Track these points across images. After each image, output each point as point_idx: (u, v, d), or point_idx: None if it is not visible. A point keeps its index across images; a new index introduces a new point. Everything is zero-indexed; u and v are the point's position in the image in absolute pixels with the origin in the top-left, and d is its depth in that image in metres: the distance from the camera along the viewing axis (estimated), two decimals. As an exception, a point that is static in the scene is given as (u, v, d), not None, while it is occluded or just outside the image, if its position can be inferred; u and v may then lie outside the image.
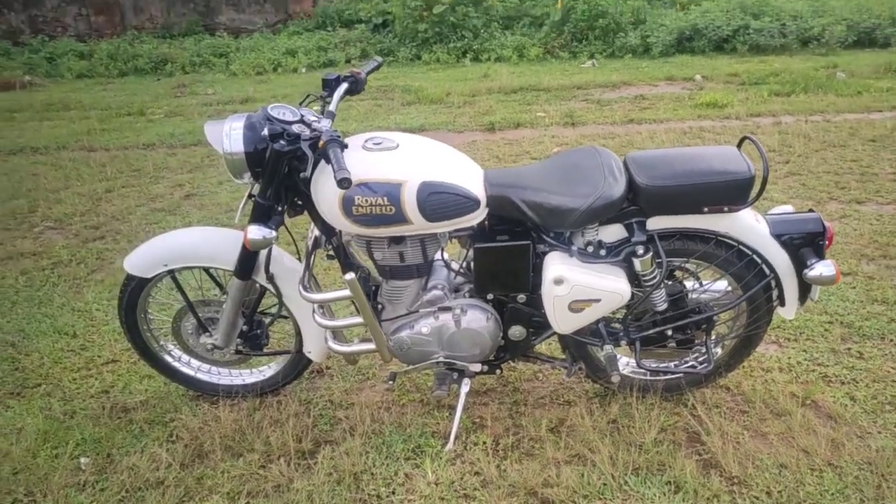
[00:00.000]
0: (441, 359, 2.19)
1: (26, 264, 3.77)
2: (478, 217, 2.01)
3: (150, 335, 2.41)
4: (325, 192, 1.93)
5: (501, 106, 7.31)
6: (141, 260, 2.21)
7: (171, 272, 2.23)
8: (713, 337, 2.23)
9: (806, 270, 2.00)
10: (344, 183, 1.65)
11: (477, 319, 2.13)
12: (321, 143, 1.78)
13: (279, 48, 11.27)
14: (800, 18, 9.88)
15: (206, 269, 2.33)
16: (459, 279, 2.24)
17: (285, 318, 2.35)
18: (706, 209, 1.97)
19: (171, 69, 10.87)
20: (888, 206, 3.94)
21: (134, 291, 2.26)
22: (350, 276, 1.96)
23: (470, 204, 1.96)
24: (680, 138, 5.64)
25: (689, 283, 2.20)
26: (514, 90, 8.09)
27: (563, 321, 2.06)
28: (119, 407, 2.47)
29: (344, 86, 2.10)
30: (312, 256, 2.19)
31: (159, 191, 5.03)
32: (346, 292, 2.01)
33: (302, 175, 1.89)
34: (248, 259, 2.13)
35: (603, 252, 2.04)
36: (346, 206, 1.91)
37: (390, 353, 2.19)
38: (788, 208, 2.17)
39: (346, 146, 1.81)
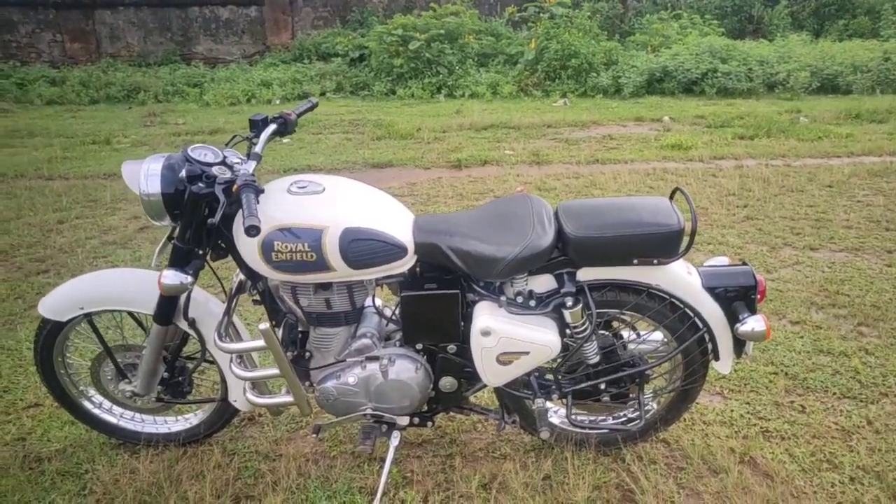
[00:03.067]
0: (369, 411, 2.11)
1: (-39, 298, 3.64)
2: (405, 264, 1.95)
3: (69, 380, 2.30)
4: (244, 236, 1.86)
5: (471, 143, 7.33)
6: (56, 302, 2.12)
7: (87, 315, 2.13)
8: (648, 391, 2.17)
9: (737, 325, 1.96)
10: (251, 230, 1.59)
11: (406, 370, 2.06)
12: (235, 186, 1.72)
13: (254, 79, 11.30)
14: (766, 63, 10.13)
15: (129, 312, 2.24)
16: (392, 327, 2.17)
17: (211, 363, 2.25)
18: (636, 261, 1.93)
19: (144, 98, 10.83)
20: (840, 254, 3.96)
21: (49, 335, 2.16)
22: (264, 326, 1.88)
23: (396, 251, 1.90)
24: (643, 179, 5.67)
25: (623, 335, 2.15)
26: (486, 127, 8.14)
27: (491, 373, 2.00)
28: (33, 456, 2.35)
29: (272, 127, 2.05)
30: (235, 301, 2.11)
31: (113, 223, 4.92)
32: (263, 342, 1.93)
33: (210, 221, 1.82)
34: (166, 304, 2.04)
35: (533, 303, 1.99)
36: (266, 251, 1.84)
37: (311, 406, 2.10)
38: (724, 260, 2.14)
39: (261, 191, 1.75)
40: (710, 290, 2.00)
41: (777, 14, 13.26)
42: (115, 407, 2.38)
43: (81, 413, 2.35)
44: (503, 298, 1.99)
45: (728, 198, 5.07)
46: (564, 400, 2.14)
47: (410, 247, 1.93)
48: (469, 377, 2.14)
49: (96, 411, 2.36)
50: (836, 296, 3.40)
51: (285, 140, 7.66)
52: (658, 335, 2.14)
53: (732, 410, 2.52)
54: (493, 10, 13.90)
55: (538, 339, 1.94)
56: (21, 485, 2.19)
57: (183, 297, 2.05)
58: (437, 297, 1.99)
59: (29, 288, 3.77)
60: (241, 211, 1.88)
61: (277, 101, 10.53)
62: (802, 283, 3.56)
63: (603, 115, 8.81)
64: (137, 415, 2.40)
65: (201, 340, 2.13)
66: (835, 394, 2.61)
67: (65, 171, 6.35)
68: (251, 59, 13.35)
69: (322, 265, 1.85)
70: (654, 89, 10.33)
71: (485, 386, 2.12)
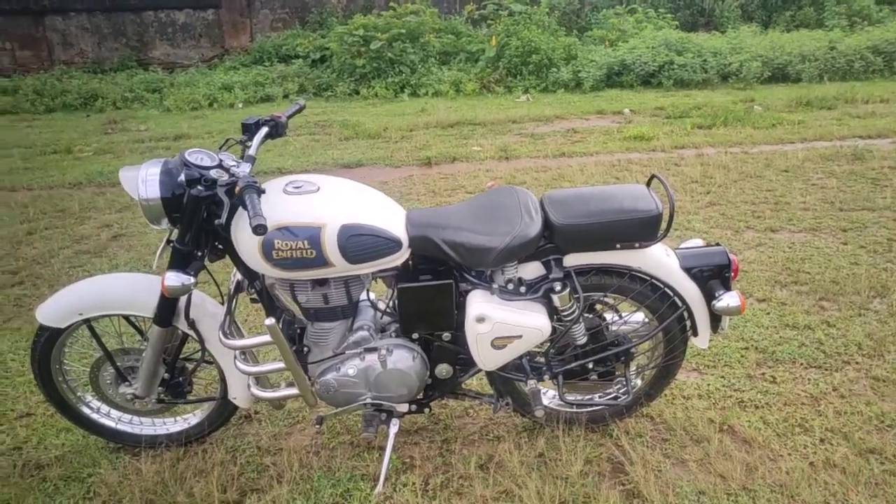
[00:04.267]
0: (369, 400, 2.19)
1: (-64, 313, 3.59)
2: (400, 258, 2.03)
3: (67, 387, 2.32)
4: (244, 236, 1.92)
5: (438, 140, 7.41)
6: (54, 309, 2.14)
7: (86, 321, 2.16)
8: (633, 369, 2.30)
9: (714, 301, 2.10)
10: (259, 229, 1.65)
11: (403, 359, 2.14)
12: (237, 188, 1.78)
13: (215, 83, 11.16)
14: (719, 55, 10.43)
15: (126, 316, 2.27)
16: (386, 319, 2.26)
17: (210, 363, 2.30)
18: (618, 245, 2.05)
19: (102, 105, 10.60)
20: (799, 234, 4.17)
21: (47, 342, 2.18)
22: (270, 321, 1.95)
23: (391, 245, 1.98)
24: (609, 171, 5.84)
25: (608, 316, 2.28)
26: (451, 124, 8.23)
27: (486, 358, 2.10)
28: (32, 464, 2.36)
29: (264, 130, 2.11)
30: (234, 300, 2.16)
31: (85, 232, 4.87)
32: (268, 338, 1.99)
33: (217, 222, 1.88)
34: (167, 306, 2.09)
35: (523, 289, 2.09)
36: (266, 250, 1.90)
37: (316, 397, 2.17)
38: (698, 242, 2.28)
39: (263, 191, 1.82)
40: (688, 270, 2.14)
41: (727, 6, 13.65)
42: (112, 411, 2.41)
43: (80, 419, 2.37)
44: (495, 286, 2.09)
45: (691, 185, 5.26)
46: (555, 380, 2.25)
47: (405, 240, 2.01)
48: (464, 364, 2.23)
49: (95, 416, 2.38)
50: (797, 274, 3.59)
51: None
52: (640, 316, 2.27)
53: (709, 384, 2.66)
54: (453, 9, 14.00)
55: (530, 322, 2.04)
56: (24, 492, 2.21)
57: (183, 299, 2.10)
58: (432, 288, 2.08)
59: (4, 300, 3.73)
60: (238, 212, 1.95)
61: (240, 105, 10.44)
62: (766, 264, 3.75)
63: (565, 109, 8.98)
64: (135, 418, 2.43)
65: (201, 341, 2.18)
66: (802, 364, 2.78)
67: (28, 182, 6.22)
68: (210, 62, 13.19)
69: (321, 261, 1.93)
70: (613, 83, 10.55)
71: (479, 371, 2.22)
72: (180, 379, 2.29)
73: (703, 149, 6.46)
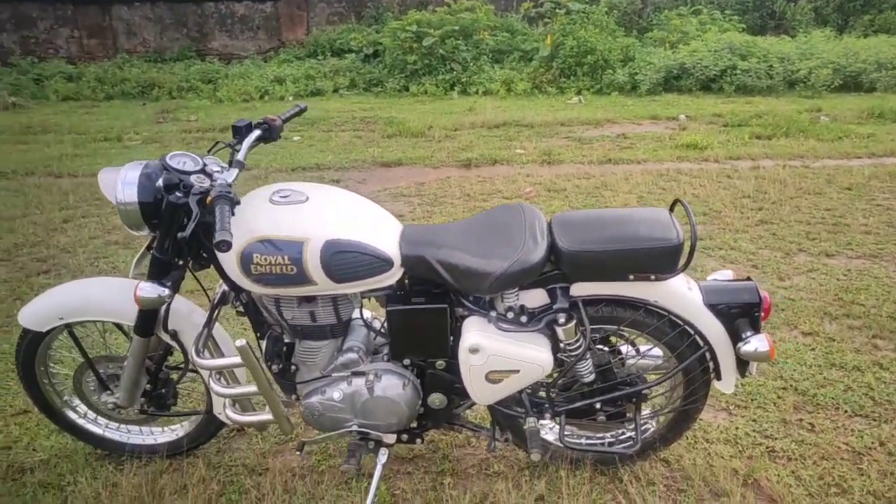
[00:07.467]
0: (355, 428, 2.04)
1: (-39, 299, 3.62)
2: (391, 277, 1.87)
3: (53, 390, 2.26)
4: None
5: (482, 141, 7.22)
6: (36, 313, 2.06)
7: (68, 326, 2.08)
8: (647, 411, 2.08)
9: (740, 344, 1.86)
10: (222, 245, 1.52)
11: (392, 386, 1.98)
12: (209, 198, 1.65)
13: (268, 75, 11.25)
14: (787, 60, 9.88)
15: (113, 322, 2.18)
16: (380, 340, 2.10)
17: (196, 372, 2.19)
18: (632, 277, 1.83)
19: (159, 94, 10.83)
20: (857, 261, 3.81)
21: (30, 345, 2.11)
22: (241, 342, 1.81)
23: (380, 264, 1.83)
24: (656, 181, 5.54)
25: (621, 351, 2.06)
26: (498, 125, 8.02)
27: (480, 392, 1.92)
28: (17, 466, 2.30)
29: (255, 133, 1.98)
30: (216, 313, 2.04)
31: (118, 222, 4.86)
32: (240, 359, 1.86)
33: (179, 235, 1.76)
34: (147, 315, 1.98)
35: (524, 318, 1.90)
36: (245, 264, 1.77)
37: (292, 425, 2.03)
38: (728, 274, 2.04)
39: (237, 202, 1.69)
40: (712, 306, 1.90)
41: (800, 9, 12.96)
42: (99, 417, 2.33)
43: (66, 423, 2.31)
44: (493, 314, 1.91)
45: (742, 200, 4.92)
46: (556, 419, 2.05)
47: (397, 259, 1.85)
48: (459, 393, 2.05)
49: (81, 421, 2.31)
50: (850, 305, 3.26)
51: (296, 138, 7.62)
52: (658, 351, 2.04)
53: (738, 428, 2.41)
54: (510, 6, 13.74)
55: (529, 356, 1.85)
56: (1, 498, 2.15)
57: (163, 309, 1.99)
58: (424, 312, 1.91)
59: (28, 289, 3.75)
60: (220, 221, 1.82)
61: (290, 98, 10.49)
62: (816, 292, 3.43)
63: (618, 112, 8.65)
64: (123, 425, 2.35)
65: (184, 352, 2.07)
66: (846, 412, 2.49)
67: (74, 169, 6.34)
68: (266, 54, 13.32)
69: (303, 279, 1.78)
70: (671, 87, 10.12)
71: (475, 403, 2.04)
72: (163, 390, 2.19)
73: (759, 161, 6.08)
